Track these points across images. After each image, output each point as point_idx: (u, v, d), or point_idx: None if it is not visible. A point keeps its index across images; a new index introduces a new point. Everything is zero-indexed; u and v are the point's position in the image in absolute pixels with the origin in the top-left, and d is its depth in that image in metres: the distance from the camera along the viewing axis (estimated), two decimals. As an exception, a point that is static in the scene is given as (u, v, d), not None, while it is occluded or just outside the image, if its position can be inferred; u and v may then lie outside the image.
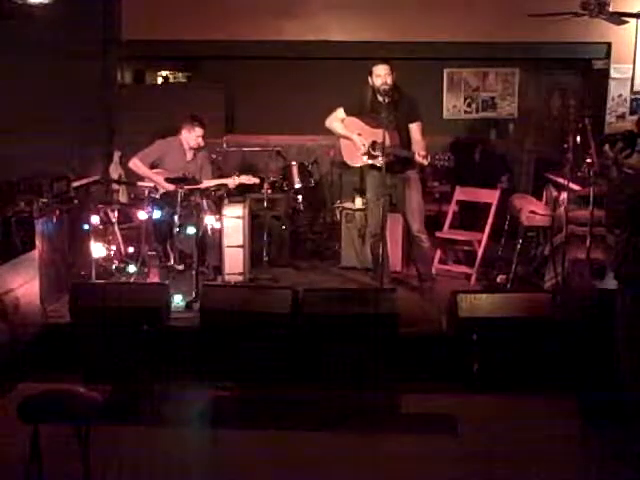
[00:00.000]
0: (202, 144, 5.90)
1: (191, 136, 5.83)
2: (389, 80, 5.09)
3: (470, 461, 3.58)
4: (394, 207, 5.53)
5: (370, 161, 5.19)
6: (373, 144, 5.12)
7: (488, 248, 5.95)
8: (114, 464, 3.44)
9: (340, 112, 5.39)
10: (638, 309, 3.44)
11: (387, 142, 4.91)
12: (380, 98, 5.10)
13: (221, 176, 6.12)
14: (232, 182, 5.80)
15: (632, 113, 7.11)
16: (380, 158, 4.95)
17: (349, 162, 5.47)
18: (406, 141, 5.15)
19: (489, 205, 6.04)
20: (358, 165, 5.43)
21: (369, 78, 5.18)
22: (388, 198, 5.35)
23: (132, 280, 5.52)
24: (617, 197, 3.58)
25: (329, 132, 5.54)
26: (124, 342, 4.43)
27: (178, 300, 5.10)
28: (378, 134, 4.92)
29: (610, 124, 7.16)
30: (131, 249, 5.92)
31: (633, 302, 3.47)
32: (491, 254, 5.97)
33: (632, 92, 7.15)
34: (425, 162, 4.90)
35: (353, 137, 5.28)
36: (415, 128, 5.18)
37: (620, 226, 3.64)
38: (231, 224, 5.60)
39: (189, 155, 5.92)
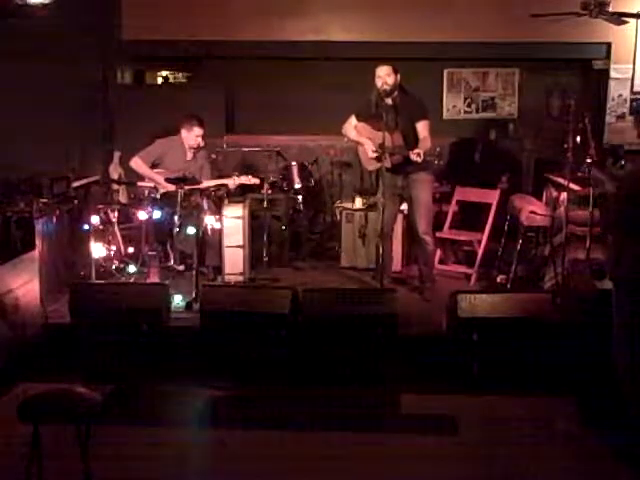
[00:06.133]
0: (202, 144, 5.90)
1: (190, 136, 5.83)
2: (389, 81, 5.10)
3: (470, 461, 3.58)
4: (399, 208, 5.56)
5: (379, 164, 5.20)
6: (380, 147, 5.14)
7: (488, 248, 5.96)
8: (114, 464, 3.44)
9: (353, 119, 5.44)
10: (634, 310, 3.43)
11: (390, 143, 4.94)
12: (384, 100, 5.13)
13: (221, 176, 6.11)
14: (232, 182, 5.80)
15: (632, 113, 7.11)
16: (386, 160, 5.02)
17: (367, 167, 5.50)
18: (412, 141, 5.15)
19: (489, 205, 6.04)
20: (373, 169, 5.43)
21: (375, 80, 5.19)
22: (398, 199, 5.38)
23: (132, 280, 5.52)
24: (610, 200, 3.59)
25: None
26: (124, 342, 4.43)
27: (178, 300, 5.11)
28: (383, 137, 4.94)
29: (610, 124, 7.15)
30: (131, 249, 5.92)
31: (629, 304, 3.47)
32: (491, 254, 5.97)
33: (632, 92, 7.14)
34: (418, 159, 4.91)
35: (365, 142, 5.31)
36: (421, 127, 5.18)
37: (613, 228, 3.64)
38: (231, 224, 5.60)
39: (189, 155, 5.92)
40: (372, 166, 5.37)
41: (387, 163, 5.09)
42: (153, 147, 5.89)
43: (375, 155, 5.17)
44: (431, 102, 7.71)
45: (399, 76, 5.18)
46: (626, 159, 5.15)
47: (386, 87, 5.09)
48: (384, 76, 5.11)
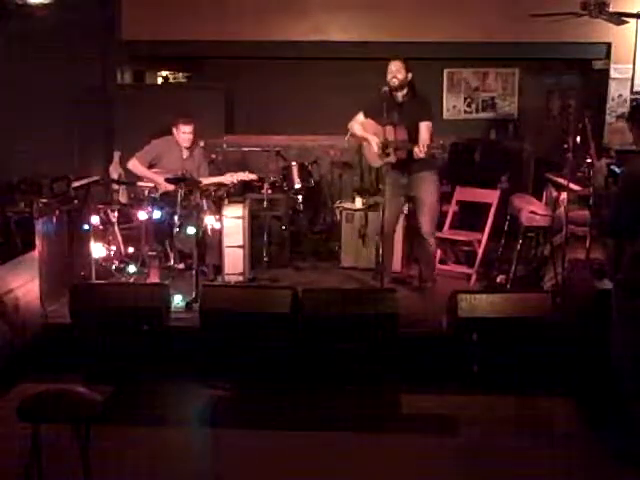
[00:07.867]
0: (200, 142, 5.86)
1: (179, 134, 5.82)
2: (399, 76, 5.17)
3: (470, 461, 3.58)
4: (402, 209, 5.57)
5: (385, 160, 5.22)
6: (384, 142, 5.16)
7: (488, 248, 5.95)
8: (114, 464, 3.44)
9: (360, 115, 5.47)
10: (633, 310, 3.43)
11: (393, 137, 5.01)
12: (394, 96, 5.18)
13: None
14: (230, 179, 5.79)
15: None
16: (391, 156, 5.06)
17: (372, 163, 5.54)
18: (415, 139, 5.17)
19: (489, 205, 6.04)
20: (378, 165, 5.46)
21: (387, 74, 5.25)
22: (402, 198, 5.39)
23: (132, 280, 5.52)
24: (607, 201, 3.58)
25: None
26: (124, 342, 4.44)
27: (178, 300, 5.11)
28: (388, 132, 5.01)
29: (610, 124, 7.15)
30: (131, 249, 5.92)
31: (628, 304, 3.46)
32: (491, 254, 5.97)
33: (632, 92, 7.14)
34: (421, 154, 4.94)
35: (369, 138, 5.33)
36: (424, 127, 5.20)
37: (610, 229, 3.63)
38: (231, 224, 5.60)
39: (185, 153, 5.91)
40: (378, 163, 5.39)
41: (392, 159, 5.14)
42: (149, 148, 5.88)
43: (380, 151, 5.20)
44: (431, 102, 7.75)
45: (410, 74, 5.22)
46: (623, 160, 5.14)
47: (395, 81, 5.16)
48: (394, 71, 5.19)
